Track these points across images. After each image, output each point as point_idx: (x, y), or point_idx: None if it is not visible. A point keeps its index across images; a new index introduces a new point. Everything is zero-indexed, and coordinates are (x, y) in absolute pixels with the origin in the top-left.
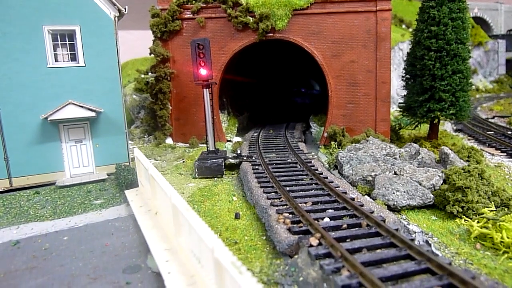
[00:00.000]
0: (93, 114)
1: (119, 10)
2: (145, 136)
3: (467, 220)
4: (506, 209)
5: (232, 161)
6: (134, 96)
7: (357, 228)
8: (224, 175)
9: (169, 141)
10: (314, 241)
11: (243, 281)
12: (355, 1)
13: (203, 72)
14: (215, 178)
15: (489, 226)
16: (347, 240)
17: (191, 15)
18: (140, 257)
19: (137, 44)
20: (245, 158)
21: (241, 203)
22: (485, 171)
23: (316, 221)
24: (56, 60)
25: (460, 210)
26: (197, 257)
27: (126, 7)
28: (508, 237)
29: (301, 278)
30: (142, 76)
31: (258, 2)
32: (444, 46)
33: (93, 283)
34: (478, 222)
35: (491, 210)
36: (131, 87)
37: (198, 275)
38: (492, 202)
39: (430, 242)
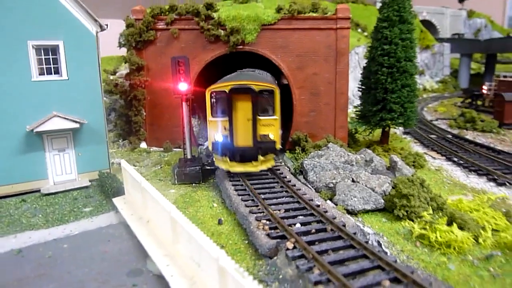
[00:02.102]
0: (77, 125)
1: (100, 26)
2: (120, 141)
3: (410, 222)
4: (440, 212)
5: (208, 167)
6: (104, 98)
7: (323, 233)
8: (201, 181)
9: (143, 145)
10: (290, 245)
11: (246, 283)
12: (317, 19)
13: (182, 87)
14: (193, 184)
15: (427, 228)
16: (316, 243)
17: (165, 26)
18: (140, 262)
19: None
20: None
21: (222, 209)
22: (425, 180)
23: (290, 227)
24: (40, 74)
25: (405, 213)
26: (197, 262)
27: (108, 23)
28: (440, 237)
29: (280, 276)
30: (111, 77)
31: (229, 17)
32: (395, 63)
33: (103, 287)
34: (418, 224)
35: (429, 214)
36: None
37: (197, 277)
38: (430, 207)
39: (381, 241)
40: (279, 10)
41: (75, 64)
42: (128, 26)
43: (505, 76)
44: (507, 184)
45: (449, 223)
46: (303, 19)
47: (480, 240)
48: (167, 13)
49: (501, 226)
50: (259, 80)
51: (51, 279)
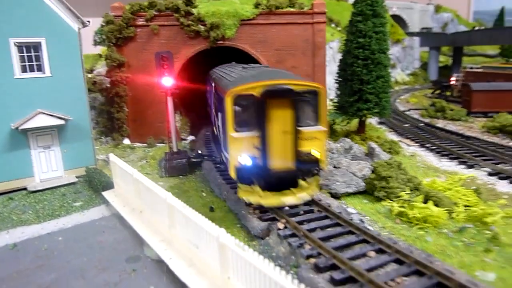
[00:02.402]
0: (62, 122)
1: (83, 23)
2: (102, 138)
3: (390, 202)
4: (417, 191)
5: (194, 160)
6: None
7: (311, 213)
8: (188, 173)
9: (126, 141)
10: (281, 225)
11: (247, 255)
12: (295, 14)
13: (166, 82)
14: (181, 177)
15: (406, 206)
16: (305, 223)
17: (145, 22)
18: (137, 249)
19: None
20: (206, 157)
21: (211, 198)
22: (402, 163)
23: (279, 210)
24: (23, 71)
25: (385, 194)
26: (195, 244)
27: (90, 20)
28: (418, 213)
29: (273, 254)
30: (89, 75)
31: (208, 12)
32: (370, 55)
33: (104, 273)
34: (397, 203)
35: (406, 193)
36: None
37: (196, 258)
38: (407, 187)
39: (363, 220)
40: (257, 5)
41: (58, 61)
42: (107, 23)
43: (471, 68)
44: (476, 166)
45: (425, 201)
46: (280, 14)
47: (454, 214)
48: (146, 9)
49: (471, 202)
50: (295, 79)
51: (51, 269)
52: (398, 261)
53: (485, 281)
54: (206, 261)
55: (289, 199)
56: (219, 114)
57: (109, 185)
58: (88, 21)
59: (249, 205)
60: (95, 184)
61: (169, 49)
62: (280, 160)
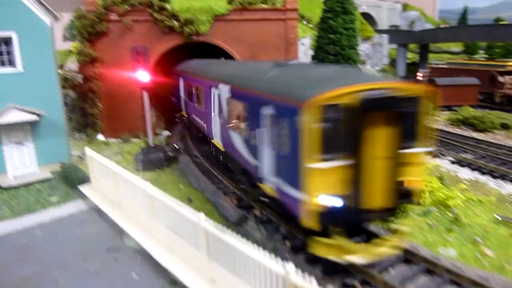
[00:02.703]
0: (35, 117)
1: (55, 17)
2: (76, 134)
3: None
4: None
5: (171, 154)
6: None
7: None
8: (164, 167)
9: (100, 137)
10: (257, 212)
11: (226, 237)
12: (268, 10)
13: (142, 76)
14: (157, 170)
15: None
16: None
17: (118, 17)
18: (117, 240)
19: None
20: (182, 151)
21: (189, 190)
22: None
23: (256, 199)
24: None
25: None
26: (175, 231)
27: (62, 14)
28: None
29: (250, 240)
30: (59, 71)
31: (182, 8)
32: (340, 51)
33: (85, 263)
34: None
35: None
36: None
37: (176, 245)
38: None
39: None
40: (230, 1)
41: (30, 55)
42: (79, 17)
43: (436, 64)
44: (440, 155)
45: None
46: (254, 10)
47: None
48: (119, 4)
49: (435, 187)
50: (392, 80)
51: (32, 261)
52: None
53: (447, 256)
54: (187, 247)
55: (384, 250)
56: (259, 129)
57: (85, 180)
58: (60, 15)
59: (227, 194)
60: (71, 179)
61: (143, 45)
62: (378, 196)
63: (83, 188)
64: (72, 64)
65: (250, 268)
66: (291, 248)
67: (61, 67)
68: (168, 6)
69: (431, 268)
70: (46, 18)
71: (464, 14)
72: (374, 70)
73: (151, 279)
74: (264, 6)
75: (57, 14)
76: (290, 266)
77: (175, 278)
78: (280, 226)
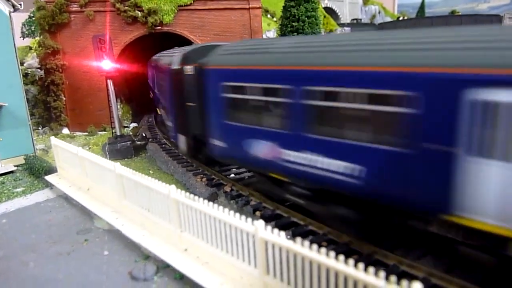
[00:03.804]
0: None
1: (14, 6)
2: (39, 128)
3: None
4: None
5: (139, 143)
6: None
7: (254, 178)
8: (133, 156)
9: (65, 131)
10: (228, 188)
11: (197, 204)
12: None
13: (105, 64)
14: (126, 159)
15: None
16: (250, 186)
17: (79, 8)
18: (87, 223)
19: None
20: (150, 139)
21: (159, 174)
22: None
23: (226, 177)
24: None
25: None
26: (146, 207)
27: (22, 3)
28: None
29: None
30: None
31: None
32: None
33: (56, 245)
34: None
35: None
36: None
37: (147, 223)
38: None
39: None
40: None
41: None
42: (38, 9)
43: None
44: None
45: None
46: (217, 0)
47: None
48: None
49: None
50: None
51: None
52: None
53: None
54: (159, 221)
55: None
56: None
57: (51, 170)
58: (20, 4)
59: (196, 174)
60: (36, 170)
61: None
62: None
63: (50, 178)
64: (32, 61)
65: (222, 231)
66: (261, 217)
67: (21, 64)
68: None
69: None
70: (4, 7)
71: (421, 7)
72: None
73: (123, 256)
74: None
75: (16, 3)
76: (260, 222)
77: (147, 252)
78: (250, 200)
